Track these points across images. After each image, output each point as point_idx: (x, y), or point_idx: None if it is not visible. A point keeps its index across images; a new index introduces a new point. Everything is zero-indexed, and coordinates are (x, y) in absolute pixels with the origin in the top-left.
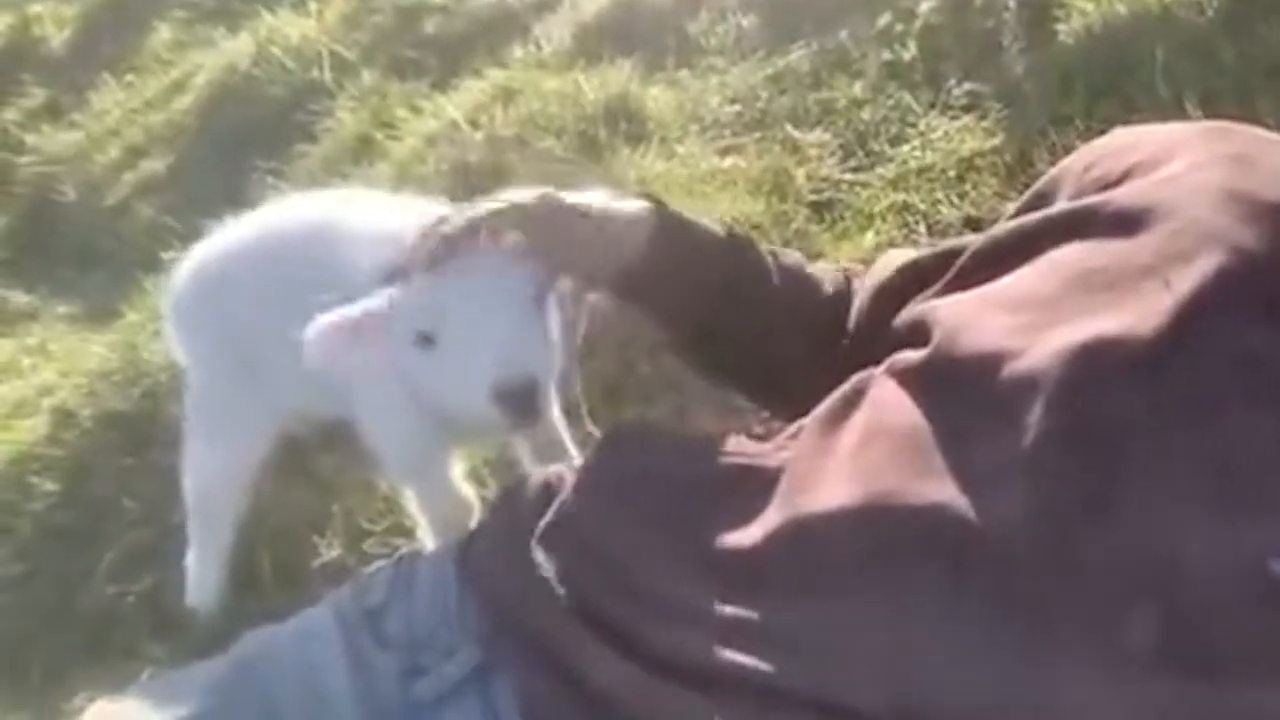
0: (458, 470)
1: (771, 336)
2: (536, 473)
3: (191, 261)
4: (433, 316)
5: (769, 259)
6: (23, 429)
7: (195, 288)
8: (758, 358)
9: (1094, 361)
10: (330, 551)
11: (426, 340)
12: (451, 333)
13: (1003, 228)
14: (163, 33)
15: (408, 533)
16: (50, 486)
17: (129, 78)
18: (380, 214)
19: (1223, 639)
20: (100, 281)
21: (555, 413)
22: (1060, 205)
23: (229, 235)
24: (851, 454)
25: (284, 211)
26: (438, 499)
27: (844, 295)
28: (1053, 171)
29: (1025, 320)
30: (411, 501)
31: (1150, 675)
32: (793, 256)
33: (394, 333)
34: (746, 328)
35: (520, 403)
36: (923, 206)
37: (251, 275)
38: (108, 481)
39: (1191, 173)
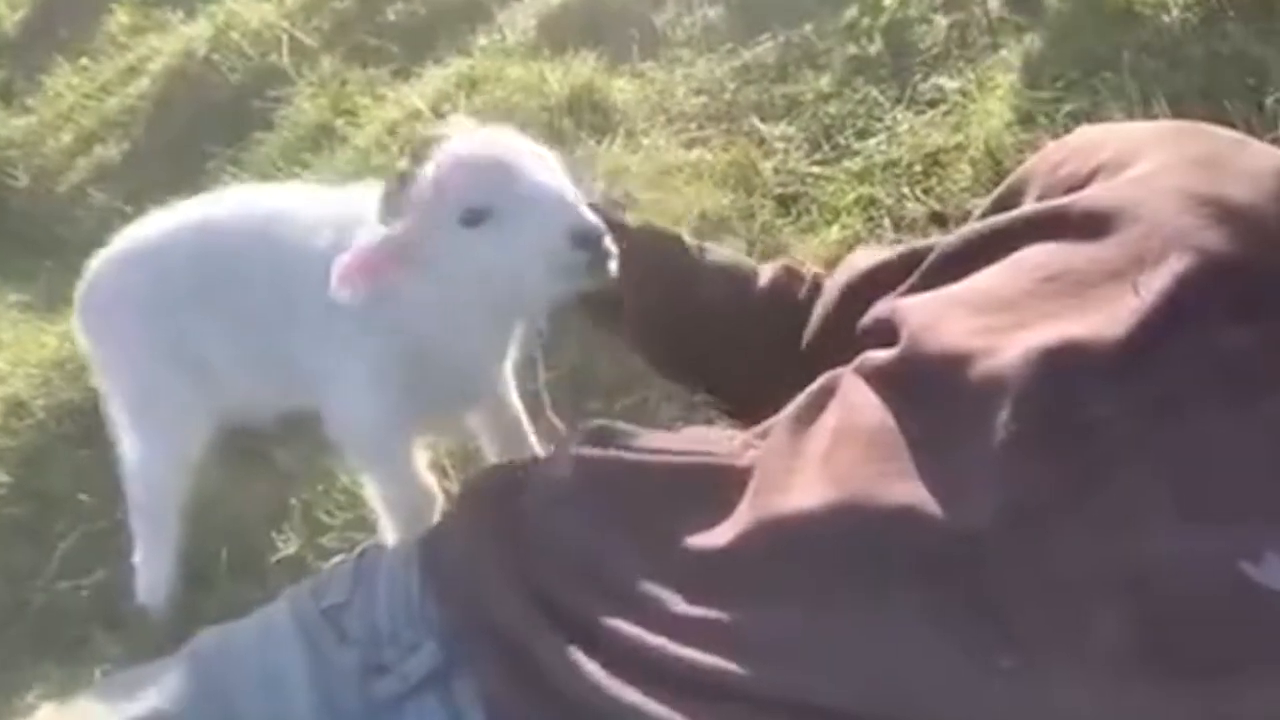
0: (421, 459)
1: (718, 330)
2: (500, 467)
3: (111, 257)
4: (480, 191)
5: (696, 252)
6: None
7: (119, 284)
8: (712, 358)
9: (1062, 365)
10: (288, 546)
11: (476, 217)
12: (510, 197)
13: (971, 227)
14: (118, 16)
15: (368, 527)
16: (1, 478)
17: (83, 61)
18: (321, 203)
19: (1195, 640)
20: (53, 269)
21: (518, 406)
22: (1029, 206)
23: (154, 230)
24: (823, 455)
25: (218, 205)
26: (401, 487)
27: (783, 290)
28: (1020, 170)
29: (993, 321)
30: (373, 493)
31: (1125, 676)
32: (721, 252)
33: (434, 226)
34: (691, 314)
35: (597, 245)
36: (888, 201)
37: (189, 271)
38: (60, 473)
39: (1159, 174)
